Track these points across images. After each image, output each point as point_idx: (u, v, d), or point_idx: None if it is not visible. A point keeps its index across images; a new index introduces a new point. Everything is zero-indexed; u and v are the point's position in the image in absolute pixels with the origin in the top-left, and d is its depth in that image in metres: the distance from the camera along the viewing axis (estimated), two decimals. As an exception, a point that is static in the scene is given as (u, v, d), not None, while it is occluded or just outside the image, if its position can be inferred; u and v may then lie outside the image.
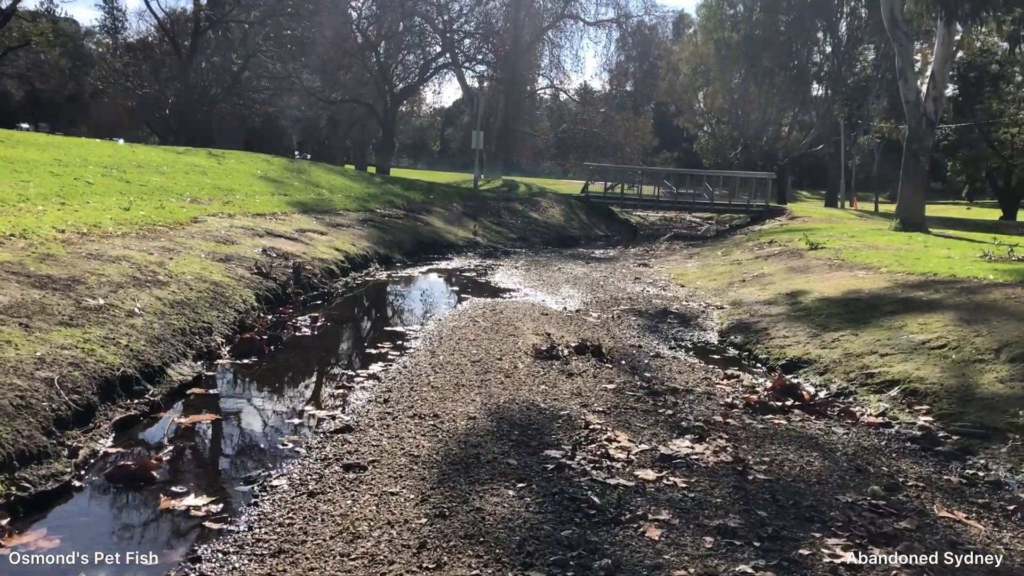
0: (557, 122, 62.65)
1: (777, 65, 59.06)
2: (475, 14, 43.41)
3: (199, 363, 7.20)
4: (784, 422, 6.27)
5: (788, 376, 8.18)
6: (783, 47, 58.01)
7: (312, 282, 11.67)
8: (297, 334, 9.01)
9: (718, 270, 17.09)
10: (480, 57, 42.38)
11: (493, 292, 13.61)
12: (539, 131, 62.22)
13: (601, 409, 6.09)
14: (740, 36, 58.56)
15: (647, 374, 7.62)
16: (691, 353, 9.18)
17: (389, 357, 8.04)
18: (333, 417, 5.91)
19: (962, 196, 77.79)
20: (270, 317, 9.61)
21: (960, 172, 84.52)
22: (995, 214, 51.60)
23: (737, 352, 9.45)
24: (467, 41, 43.71)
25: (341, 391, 6.67)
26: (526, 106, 61.26)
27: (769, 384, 7.09)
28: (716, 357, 9.16)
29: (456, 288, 14.39)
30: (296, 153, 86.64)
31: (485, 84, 51.91)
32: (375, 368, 7.51)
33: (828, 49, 58.04)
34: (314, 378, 7.49)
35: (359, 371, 7.43)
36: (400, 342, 8.84)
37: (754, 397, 6.89)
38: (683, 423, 5.93)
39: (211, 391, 6.58)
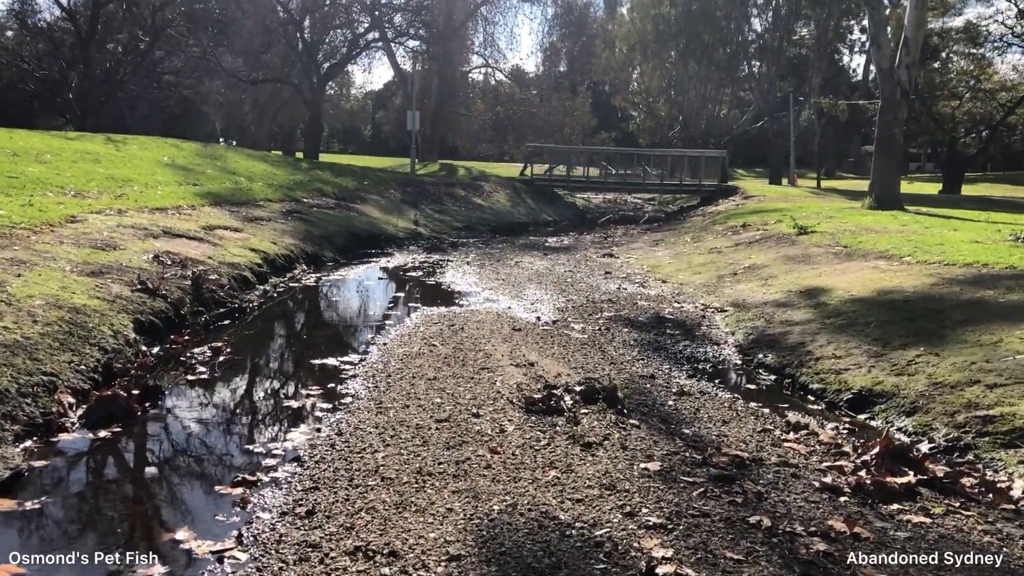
0: (493, 103, 60.17)
1: (717, 40, 57.68)
2: (405, -12, 40.72)
3: (27, 442, 4.75)
4: (925, 520, 4.12)
5: (862, 417, 6.07)
6: (722, 22, 56.60)
7: (218, 296, 9.16)
8: (189, 377, 6.55)
9: (697, 260, 15.02)
10: (412, 32, 39.57)
11: (447, 298, 11.26)
12: (475, 113, 59.66)
13: (658, 522, 3.82)
14: (678, 12, 56.93)
15: (686, 431, 5.40)
16: (718, 383, 6.99)
17: (316, 415, 5.67)
18: (219, 557, 3.55)
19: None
20: (155, 352, 7.13)
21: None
22: (934, 188, 50.98)
23: (774, 378, 7.31)
24: (397, 17, 40.90)
25: (239, 492, 4.28)
26: (461, 87, 58.64)
27: (870, 453, 4.90)
28: (752, 388, 7.00)
29: (402, 294, 11.99)
30: (221, 140, 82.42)
31: (418, 64, 49.19)
32: (295, 439, 5.14)
33: (768, 22, 56.72)
34: (197, 464, 5.06)
35: (271, 445, 5.05)
36: (333, 384, 6.47)
37: (850, 466, 4.75)
38: (793, 546, 3.71)
39: (23, 504, 4.13)
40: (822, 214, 19.18)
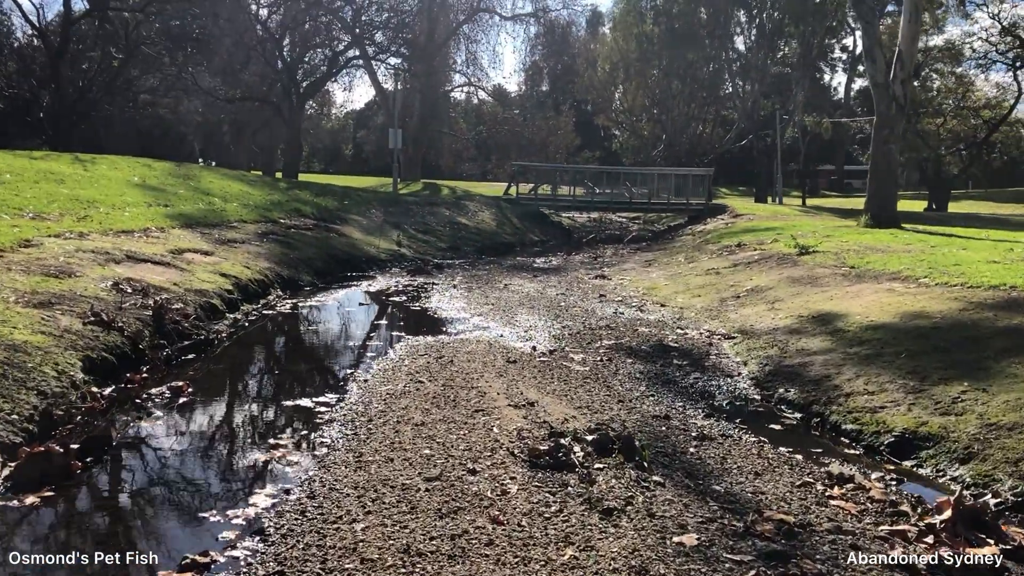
0: (476, 122, 59.63)
1: (700, 58, 57.51)
2: (386, 6, 40.07)
3: (-65, 515, 3.94)
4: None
5: (908, 463, 5.35)
6: (705, 40, 56.44)
7: (182, 327, 8.34)
8: (142, 423, 5.75)
9: (695, 282, 14.32)
10: (393, 49, 38.92)
11: (434, 325, 10.49)
12: (458, 132, 59.12)
13: (709, 622, 3.07)
14: (661, 30, 56.73)
15: (717, 487, 4.65)
16: (739, 424, 6.25)
17: (286, 471, 4.88)
18: None
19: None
20: (107, 393, 6.31)
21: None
22: (919, 205, 50.65)
23: (799, 416, 6.57)
24: (379, 35, 40.25)
25: (187, 583, 3.49)
26: (443, 106, 58.10)
27: (937, 517, 4.16)
28: (777, 429, 6.26)
29: (385, 322, 11.21)
30: (200, 160, 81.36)
31: (399, 82, 48.60)
32: (259, 503, 4.34)
33: (752, 41, 56.56)
34: (141, 538, 4.25)
35: (231, 512, 4.25)
36: (306, 431, 5.69)
37: (913, 531, 4.02)
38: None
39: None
40: (818, 233, 18.59)
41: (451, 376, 7.22)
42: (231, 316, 10.00)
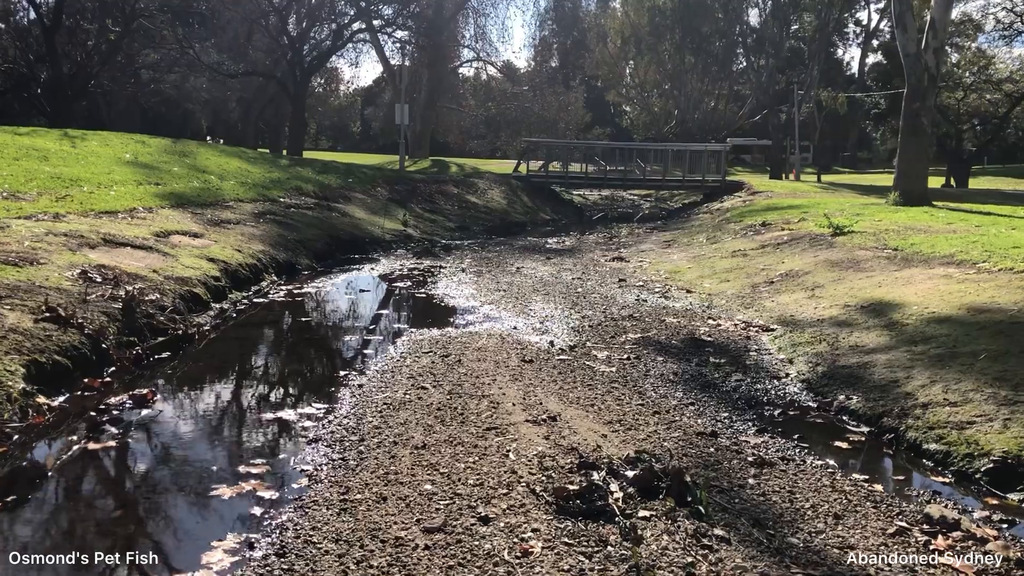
0: (484, 99, 58.31)
1: (714, 31, 56.09)
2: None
3: None
4: None
5: (1015, 497, 4.38)
6: (719, 12, 55.00)
7: (157, 321, 7.40)
8: (90, 446, 4.82)
9: (721, 265, 13.32)
10: (399, 22, 37.71)
11: (441, 315, 9.55)
12: (466, 108, 57.80)
13: None
14: (674, 2, 55.32)
15: (794, 540, 3.69)
16: (799, 442, 5.27)
17: (254, 515, 3.94)
18: None
19: (893, 164, 76.57)
20: (56, 405, 5.39)
21: (886, 140, 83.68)
22: (936, 181, 49.23)
23: (868, 431, 5.59)
24: (387, 9, 39.01)
25: None
26: (451, 82, 56.82)
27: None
28: (845, 448, 5.27)
29: (387, 311, 10.25)
30: (208, 138, 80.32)
31: (406, 56, 47.34)
32: (215, 565, 3.41)
33: (767, 12, 55.04)
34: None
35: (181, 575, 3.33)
36: (285, 455, 4.77)
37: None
38: None
39: None
40: (847, 211, 17.53)
41: (459, 380, 6.27)
42: (216, 306, 9.06)
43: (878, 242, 11.98)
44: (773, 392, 6.46)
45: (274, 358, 7.65)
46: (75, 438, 4.92)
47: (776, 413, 5.92)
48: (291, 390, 6.39)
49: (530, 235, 22.16)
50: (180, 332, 7.52)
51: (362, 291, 11.41)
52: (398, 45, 41.62)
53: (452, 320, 9.10)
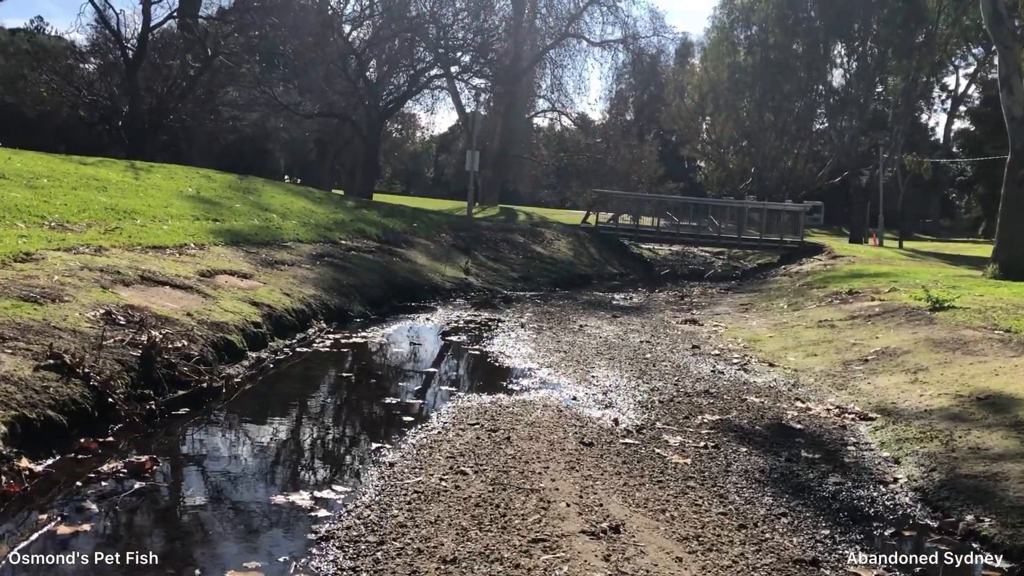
0: (557, 149, 57.93)
1: (795, 90, 54.90)
2: (472, 27, 38.81)
3: None
4: None
5: None
6: (801, 72, 53.83)
7: (180, 372, 6.69)
8: (60, 530, 4.04)
9: (807, 336, 12.17)
10: (476, 69, 37.56)
11: (493, 378, 8.68)
12: (538, 157, 57.50)
13: None
14: (755, 60, 54.47)
15: None
16: (924, 577, 4.21)
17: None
18: None
19: (978, 233, 73.79)
20: (38, 471, 4.66)
21: (971, 208, 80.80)
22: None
23: (1009, 567, 4.47)
24: (463, 57, 38.97)
25: None
26: (525, 131, 56.72)
27: None
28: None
29: (435, 369, 9.42)
30: (286, 177, 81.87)
31: (481, 102, 47.36)
32: None
33: (851, 74, 53.72)
34: None
35: None
36: (287, 558, 3.91)
37: None
38: None
39: None
40: (941, 283, 16.16)
41: (505, 465, 5.37)
42: (253, 355, 8.35)
43: (986, 321, 10.73)
44: (881, 502, 5.38)
45: (302, 422, 6.83)
46: (45, 517, 4.16)
47: (888, 533, 4.85)
48: (313, 465, 5.56)
49: (596, 289, 21.25)
50: (205, 385, 6.80)
51: (412, 344, 10.61)
52: (474, 92, 41.54)
53: (505, 384, 8.22)
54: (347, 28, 38.02)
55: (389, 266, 16.03)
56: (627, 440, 6.29)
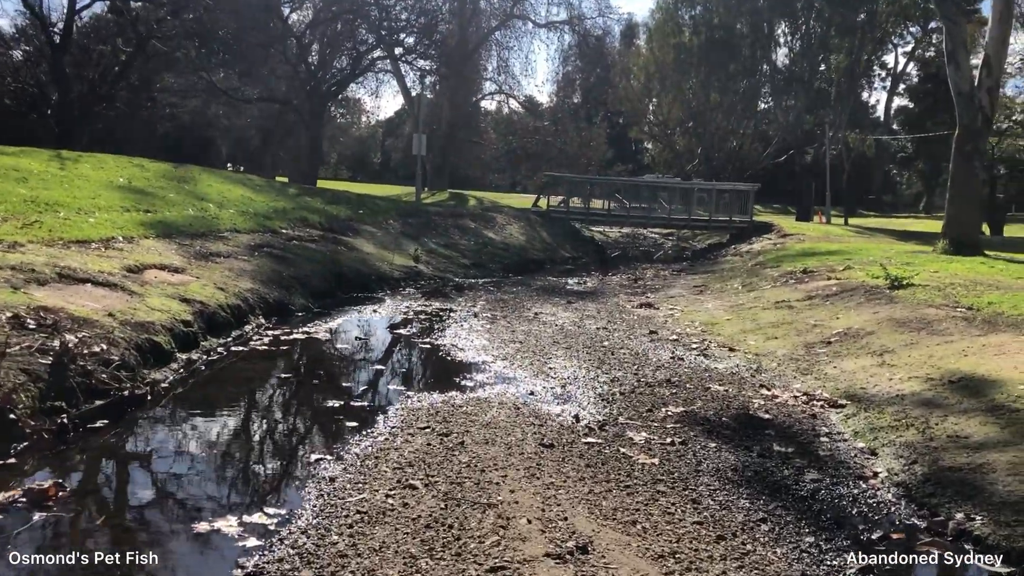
0: (506, 132, 57.38)
1: (740, 70, 55.04)
2: (415, 8, 37.93)
3: None
4: None
5: None
6: (746, 51, 53.98)
7: (97, 380, 6.06)
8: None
9: (764, 317, 11.88)
10: (420, 50, 36.72)
11: (445, 374, 8.18)
12: (487, 141, 56.88)
13: None
14: (700, 40, 54.40)
15: None
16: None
17: None
18: None
19: (919, 208, 75.17)
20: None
21: (912, 184, 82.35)
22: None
23: (1008, 572, 4.13)
24: (406, 38, 38.08)
25: None
26: (473, 114, 56.04)
27: None
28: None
29: (381, 367, 8.87)
30: (228, 165, 79.87)
31: (427, 84, 46.48)
32: None
33: (796, 53, 54.04)
34: None
35: None
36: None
37: None
38: None
39: None
40: (893, 260, 16.07)
41: (459, 475, 4.88)
42: (183, 357, 7.72)
43: (947, 299, 10.52)
44: (863, 501, 5.02)
45: (234, 432, 6.22)
46: (-79, 564, 3.56)
47: (876, 537, 4.48)
48: (244, 484, 4.99)
49: (549, 274, 20.82)
50: (127, 393, 6.18)
51: (358, 339, 10.03)
52: (419, 75, 40.66)
53: (458, 381, 7.72)
54: (287, 11, 36.84)
55: (334, 255, 15.38)
56: (590, 439, 5.85)
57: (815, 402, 7.33)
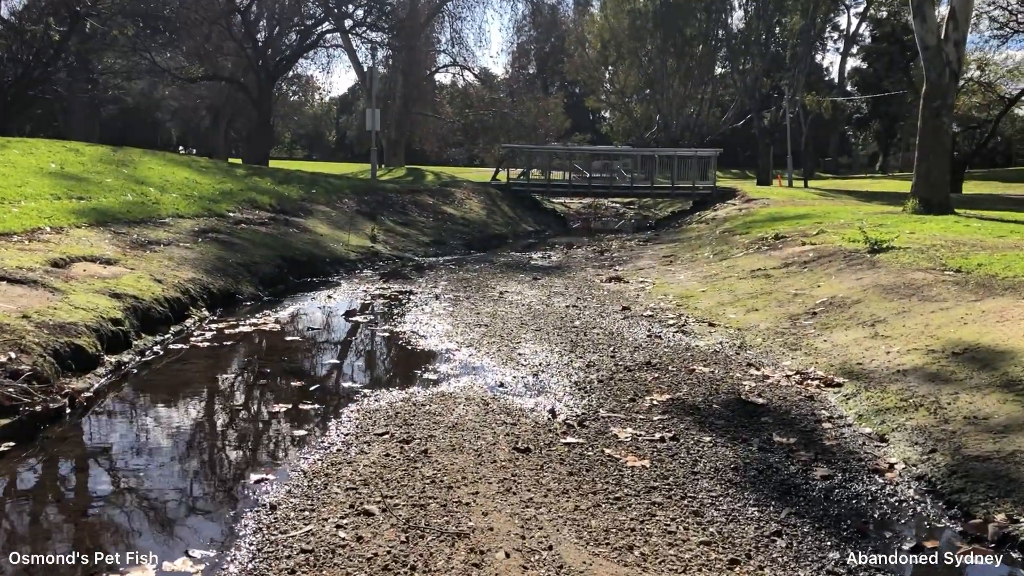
0: (462, 105, 56.30)
1: (697, 34, 54.54)
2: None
3: None
4: None
5: None
6: (701, 14, 53.45)
7: (2, 394, 5.26)
8: None
9: (742, 287, 11.30)
10: (369, 21, 35.46)
11: (405, 366, 7.48)
12: (443, 115, 55.75)
13: None
14: (655, 5, 53.66)
15: None
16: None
17: None
18: None
19: (875, 169, 75.64)
20: None
21: (867, 144, 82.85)
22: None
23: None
24: (356, 10, 36.78)
25: None
26: (427, 88, 54.80)
27: None
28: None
29: (334, 360, 8.10)
30: (180, 148, 77.65)
31: (380, 58, 45.22)
32: None
33: (751, 15, 53.52)
34: None
35: None
36: None
37: None
38: None
39: None
40: (865, 221, 15.57)
41: (422, 494, 4.19)
42: (112, 360, 6.91)
43: (932, 261, 10.02)
44: (883, 501, 4.42)
45: (163, 449, 5.43)
46: None
47: (908, 548, 3.87)
48: (168, 518, 4.22)
49: (512, 249, 20.13)
50: (39, 408, 5.39)
51: (310, 330, 9.24)
52: (370, 48, 39.46)
53: (420, 373, 7.01)
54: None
55: (285, 238, 14.53)
56: (569, 439, 5.19)
57: (810, 381, 6.75)
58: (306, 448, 5.03)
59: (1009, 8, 42.44)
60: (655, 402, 6.13)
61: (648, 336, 8.72)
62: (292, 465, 4.71)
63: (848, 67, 75.01)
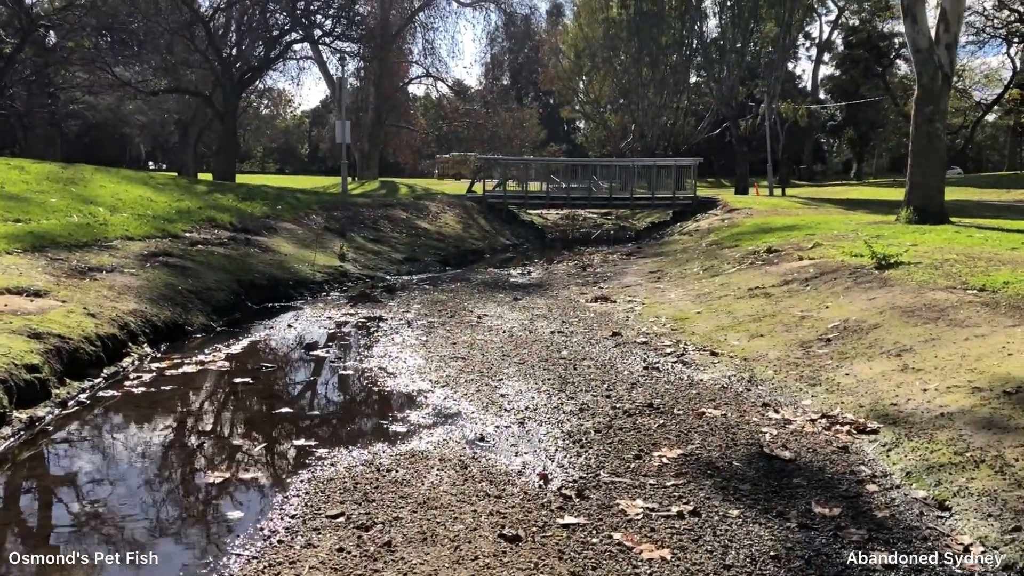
0: (436, 117, 55.42)
1: (672, 42, 54.08)
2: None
3: None
4: None
5: None
6: (676, 23, 52.99)
7: None
8: None
9: (741, 309, 10.38)
10: (339, 31, 34.42)
11: (368, 415, 6.48)
12: (417, 127, 54.81)
13: None
14: (629, 13, 53.12)
15: None
16: None
17: None
18: None
19: (850, 176, 75.69)
20: None
21: (841, 152, 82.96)
22: (898, 193, 47.13)
23: None
24: (324, 21, 35.77)
25: None
26: (401, 100, 53.86)
27: None
28: None
29: (286, 410, 7.00)
30: (150, 164, 76.02)
31: (351, 70, 44.14)
32: None
33: (726, 22, 53.12)
34: None
35: None
36: None
37: None
38: None
39: None
40: (859, 232, 14.88)
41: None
42: (23, 416, 5.85)
43: (950, 279, 9.17)
44: (969, 602, 3.48)
45: (61, 541, 4.38)
46: None
47: None
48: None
49: (490, 264, 19.19)
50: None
51: (263, 368, 8.17)
52: (339, 58, 38.42)
53: (386, 425, 6.01)
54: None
55: (244, 260, 13.47)
56: (568, 519, 4.22)
57: (839, 427, 5.82)
58: (240, 540, 4.01)
59: (985, 14, 42.34)
60: (665, 460, 5.17)
61: (645, 368, 7.78)
62: (219, 571, 3.70)
63: (821, 74, 75.19)
